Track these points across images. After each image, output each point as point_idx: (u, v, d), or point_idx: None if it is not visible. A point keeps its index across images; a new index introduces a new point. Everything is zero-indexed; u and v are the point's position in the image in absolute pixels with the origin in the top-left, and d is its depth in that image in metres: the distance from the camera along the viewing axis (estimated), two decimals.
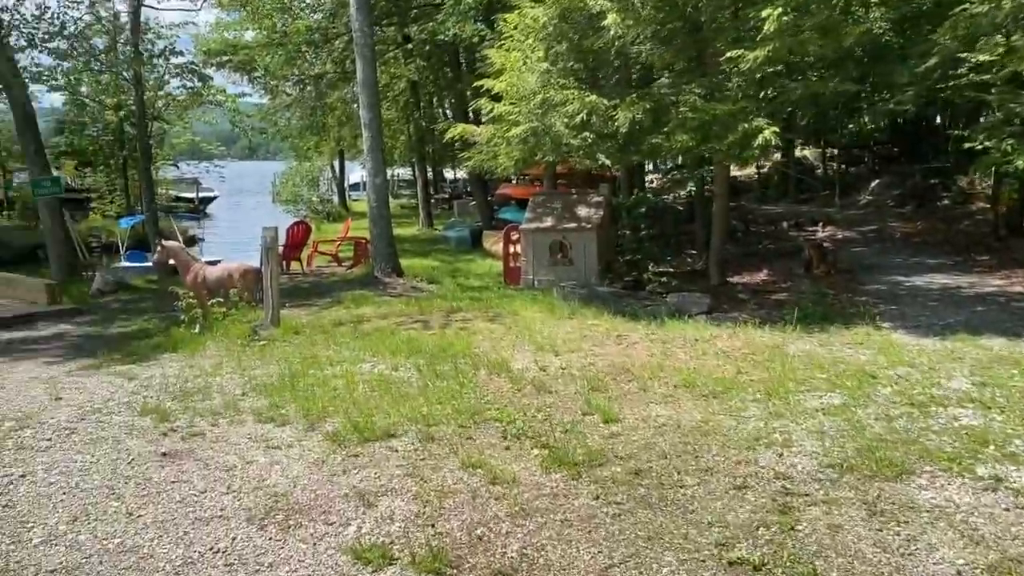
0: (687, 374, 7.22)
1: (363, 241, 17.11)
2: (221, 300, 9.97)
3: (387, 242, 14.71)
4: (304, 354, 8.21)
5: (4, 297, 13.00)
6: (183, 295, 9.86)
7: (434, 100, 29.20)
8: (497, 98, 11.60)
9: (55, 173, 31.28)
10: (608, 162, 11.63)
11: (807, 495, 4.60)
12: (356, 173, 49.39)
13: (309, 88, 22.63)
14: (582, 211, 14.25)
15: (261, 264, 9.49)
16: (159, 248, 10.27)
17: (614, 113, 10.72)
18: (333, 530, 4.31)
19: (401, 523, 4.37)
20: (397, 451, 5.43)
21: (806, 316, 9.97)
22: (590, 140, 10.97)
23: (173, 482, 4.94)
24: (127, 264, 17.49)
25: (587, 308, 10.99)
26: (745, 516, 4.36)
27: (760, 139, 9.97)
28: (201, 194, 43.51)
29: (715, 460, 5.26)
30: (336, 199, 38.81)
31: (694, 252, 17.53)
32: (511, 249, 14.91)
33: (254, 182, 52.62)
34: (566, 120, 10.70)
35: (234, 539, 4.21)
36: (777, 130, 10.18)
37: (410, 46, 20.47)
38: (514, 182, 24.43)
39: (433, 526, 4.33)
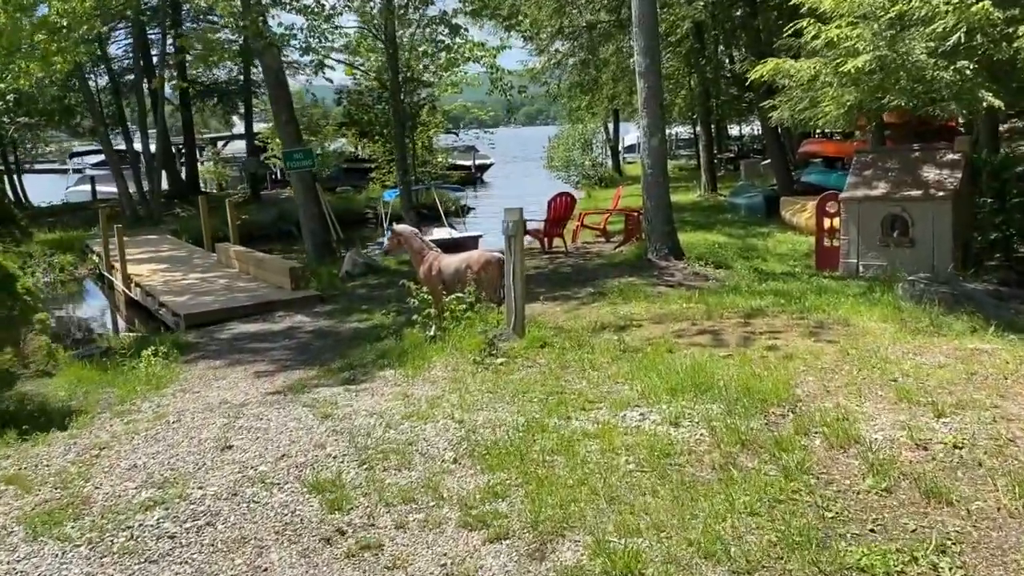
0: None
1: (635, 213, 14.61)
2: (460, 297, 8.08)
3: (664, 217, 12.07)
4: (549, 386, 5.97)
5: (255, 279, 12.37)
6: (415, 290, 8.10)
7: (719, 47, 25.48)
8: (822, 21, 8.38)
9: (340, 142, 32.49)
10: (996, 104, 7.97)
11: None
12: (632, 135, 46.77)
13: (582, 39, 20.33)
14: (929, 173, 10.54)
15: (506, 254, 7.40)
16: (390, 233, 8.64)
17: (1010, 30, 7.11)
18: None
19: None
20: None
21: None
22: (968, 72, 7.46)
23: None
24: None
25: (954, 316, 7.61)
26: None
27: None
28: (477, 161, 43.77)
29: None
30: (609, 163, 36.55)
31: None
32: (826, 223, 11.59)
33: (526, 148, 52.21)
34: (931, 44, 7.31)
35: None
36: None
37: None
38: (815, 136, 20.41)
39: None
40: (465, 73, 16.83)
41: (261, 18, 11.48)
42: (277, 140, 30.58)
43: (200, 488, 4.49)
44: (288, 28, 12.86)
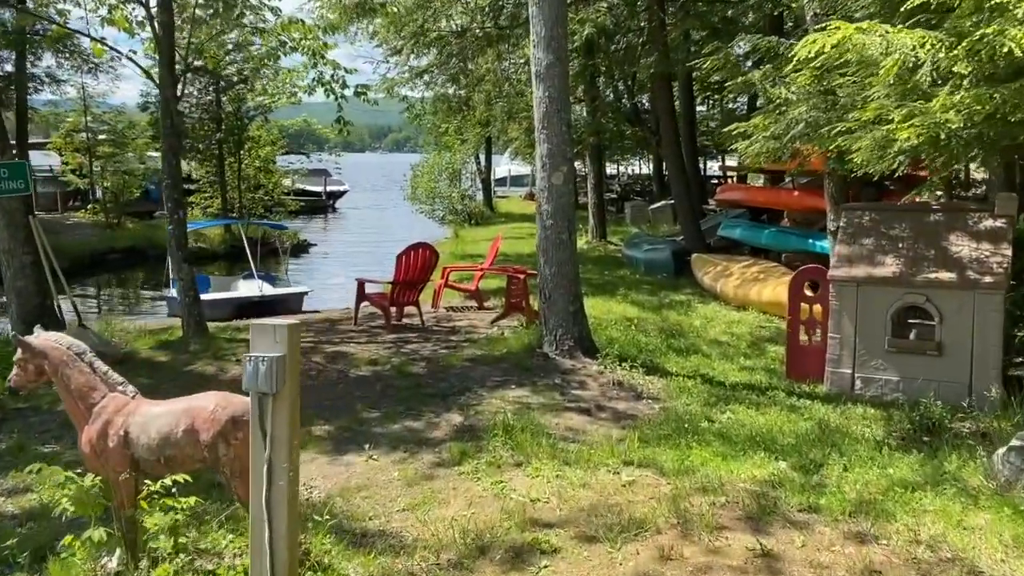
0: None
1: (520, 276, 10.60)
2: (168, 493, 3.72)
3: (569, 293, 8.04)
4: None
5: None
6: (72, 477, 3.68)
7: (602, 74, 21.91)
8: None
9: (155, 157, 26.74)
10: None
11: None
12: (503, 166, 43.05)
13: (451, 47, 16.32)
14: (961, 246, 7.15)
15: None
16: (18, 351, 4.08)
17: None
18: None
19: None
20: None
21: None
22: None
23: None
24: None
25: None
26: None
27: None
28: (330, 187, 38.71)
29: None
30: (480, 197, 32.45)
31: None
32: (802, 310, 7.93)
33: (392, 175, 47.63)
34: None
35: None
36: None
37: None
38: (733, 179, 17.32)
39: None
40: (290, 71, 12.44)
41: None
42: (73, 150, 24.86)
43: None
44: None
